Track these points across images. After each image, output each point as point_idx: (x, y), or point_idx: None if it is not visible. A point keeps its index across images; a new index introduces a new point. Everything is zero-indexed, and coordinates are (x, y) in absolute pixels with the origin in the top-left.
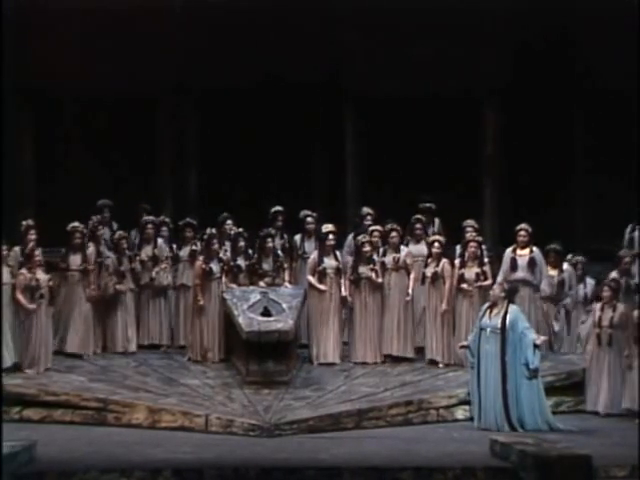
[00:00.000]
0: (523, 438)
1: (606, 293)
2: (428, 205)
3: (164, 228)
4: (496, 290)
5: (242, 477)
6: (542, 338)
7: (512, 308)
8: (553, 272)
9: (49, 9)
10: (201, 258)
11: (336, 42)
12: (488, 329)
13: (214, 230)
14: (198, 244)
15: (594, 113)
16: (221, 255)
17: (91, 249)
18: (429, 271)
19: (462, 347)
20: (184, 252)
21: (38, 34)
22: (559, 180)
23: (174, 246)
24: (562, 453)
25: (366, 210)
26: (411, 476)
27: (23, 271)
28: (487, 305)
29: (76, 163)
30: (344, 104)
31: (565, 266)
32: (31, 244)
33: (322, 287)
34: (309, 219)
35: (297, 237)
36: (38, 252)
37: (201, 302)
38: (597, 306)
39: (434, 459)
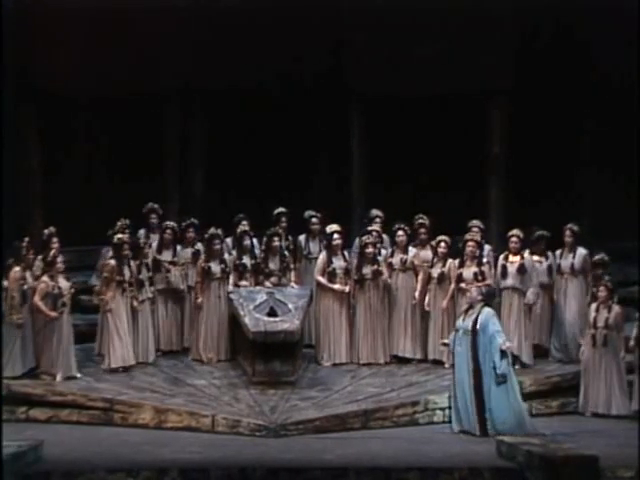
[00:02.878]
0: (529, 439)
1: (601, 293)
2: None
3: (191, 229)
4: (473, 293)
5: (248, 477)
6: (508, 344)
7: (485, 310)
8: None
9: (55, 8)
10: (202, 257)
11: (342, 42)
12: (461, 330)
13: (219, 230)
14: (199, 244)
15: (601, 111)
16: (225, 255)
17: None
18: (435, 272)
19: (443, 344)
20: (186, 253)
21: (44, 34)
22: (566, 179)
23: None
24: (569, 454)
25: (375, 212)
26: (417, 476)
27: (45, 278)
28: (465, 307)
29: (82, 163)
30: (349, 104)
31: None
32: (53, 251)
33: (337, 287)
34: (314, 219)
35: (301, 237)
36: (60, 259)
37: (199, 300)
38: (592, 307)
39: (440, 459)
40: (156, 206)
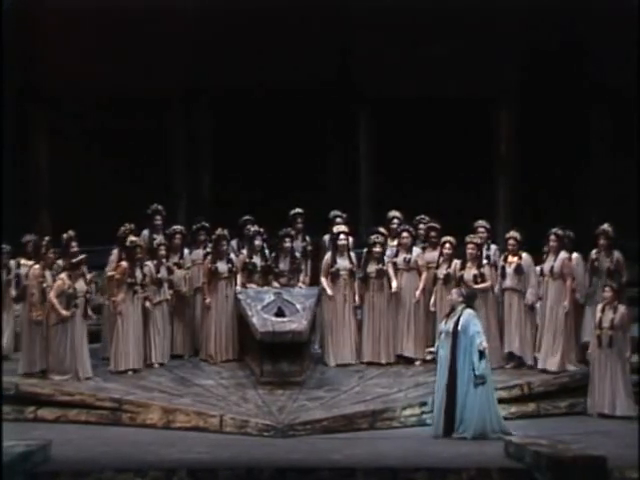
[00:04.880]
0: (537, 439)
1: (607, 294)
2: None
3: (202, 231)
4: (454, 295)
5: (256, 477)
6: (485, 344)
7: (466, 312)
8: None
9: (62, 9)
10: (209, 258)
11: (349, 43)
12: (443, 334)
13: (225, 231)
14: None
15: (608, 112)
16: (232, 256)
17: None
18: (441, 272)
19: (430, 353)
20: (195, 255)
21: (52, 35)
22: (573, 179)
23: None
24: (577, 454)
25: (392, 214)
26: (425, 477)
27: (62, 276)
28: (447, 310)
29: (90, 164)
30: (357, 105)
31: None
32: (83, 256)
33: (329, 292)
34: (338, 219)
35: (326, 237)
36: (85, 266)
37: (207, 301)
38: (598, 307)
39: (448, 460)
40: (160, 207)
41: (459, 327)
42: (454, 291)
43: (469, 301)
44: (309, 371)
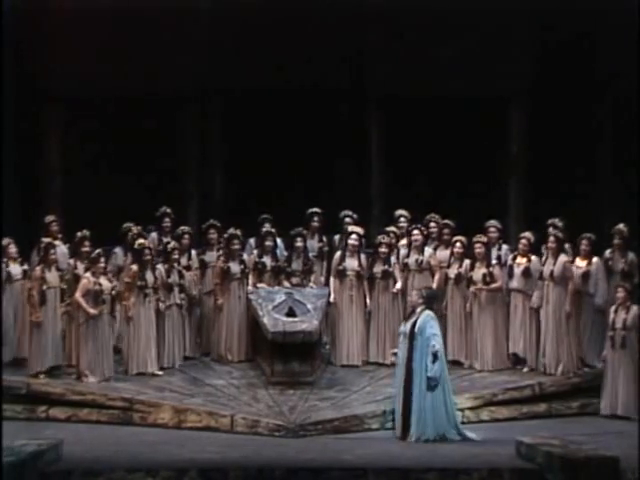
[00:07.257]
0: (549, 439)
1: (620, 294)
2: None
3: (212, 230)
4: (414, 296)
5: (267, 477)
6: (437, 347)
7: (425, 314)
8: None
9: (75, 9)
10: (221, 258)
11: (360, 43)
12: (401, 335)
13: (238, 231)
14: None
15: (619, 112)
16: (244, 256)
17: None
18: (452, 272)
19: (393, 354)
20: (209, 257)
21: (64, 35)
22: (585, 179)
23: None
24: (589, 455)
25: (399, 212)
26: (436, 477)
27: (87, 275)
28: (408, 311)
29: (101, 164)
30: (368, 105)
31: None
32: (98, 250)
33: (332, 296)
34: (347, 219)
35: (336, 237)
36: (103, 260)
37: (219, 301)
38: (612, 308)
39: (460, 460)
40: (169, 210)
41: (416, 329)
42: (414, 292)
43: (429, 302)
44: (320, 371)
